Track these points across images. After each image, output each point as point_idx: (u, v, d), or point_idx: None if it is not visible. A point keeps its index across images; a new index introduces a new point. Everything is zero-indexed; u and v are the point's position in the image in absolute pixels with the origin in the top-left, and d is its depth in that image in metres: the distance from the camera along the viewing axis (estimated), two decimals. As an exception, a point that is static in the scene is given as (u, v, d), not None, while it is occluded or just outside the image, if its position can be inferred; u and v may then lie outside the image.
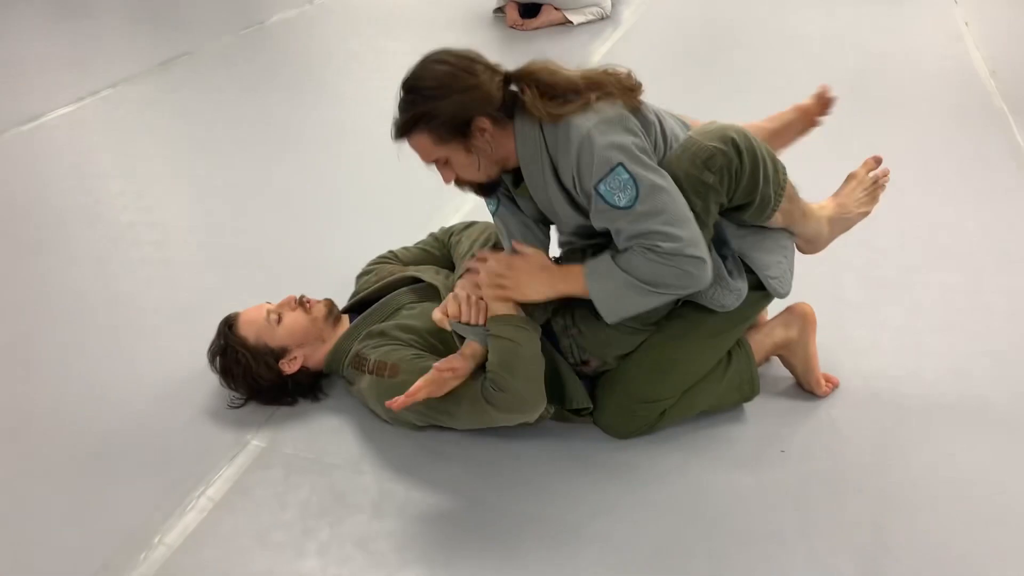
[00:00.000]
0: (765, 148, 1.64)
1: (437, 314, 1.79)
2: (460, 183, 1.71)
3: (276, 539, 1.66)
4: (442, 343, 1.86)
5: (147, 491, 1.78)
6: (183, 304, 2.43)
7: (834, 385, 1.98)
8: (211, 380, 2.01)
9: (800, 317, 1.92)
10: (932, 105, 3.74)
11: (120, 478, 1.82)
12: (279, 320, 1.93)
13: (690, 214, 1.57)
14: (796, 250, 1.85)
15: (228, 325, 1.94)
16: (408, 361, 1.81)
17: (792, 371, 1.98)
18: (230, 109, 3.85)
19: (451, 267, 2.19)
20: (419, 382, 1.68)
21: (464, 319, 1.73)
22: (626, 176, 1.52)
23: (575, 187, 1.62)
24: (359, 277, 2.23)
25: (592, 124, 1.55)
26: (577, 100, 1.57)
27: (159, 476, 1.82)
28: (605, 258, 1.63)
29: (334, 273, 2.35)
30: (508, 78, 1.62)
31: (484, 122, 1.57)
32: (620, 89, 1.61)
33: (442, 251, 2.23)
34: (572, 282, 1.68)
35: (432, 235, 2.30)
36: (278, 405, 1.97)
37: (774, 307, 1.96)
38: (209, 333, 1.98)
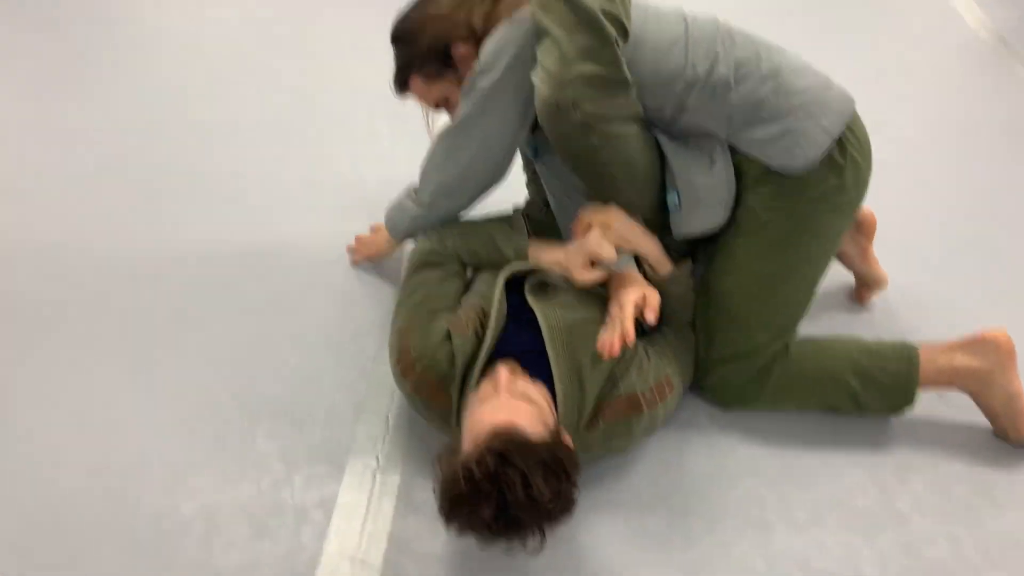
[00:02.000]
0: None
1: (586, 275, 1.47)
2: None
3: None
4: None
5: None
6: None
7: None
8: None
9: (992, 346, 1.51)
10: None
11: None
12: (530, 399, 1.27)
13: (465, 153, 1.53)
14: None
15: (506, 444, 1.15)
16: (671, 362, 1.44)
17: (987, 414, 1.56)
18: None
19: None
20: (627, 318, 1.35)
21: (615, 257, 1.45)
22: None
23: None
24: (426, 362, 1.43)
25: (498, 35, 1.45)
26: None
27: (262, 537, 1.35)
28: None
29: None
30: None
31: (460, 48, 1.51)
32: None
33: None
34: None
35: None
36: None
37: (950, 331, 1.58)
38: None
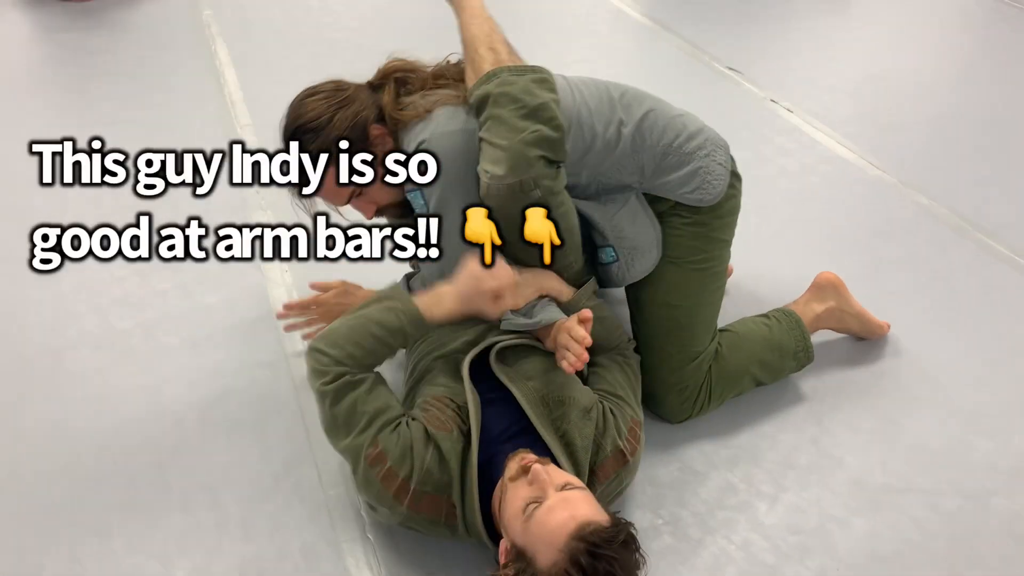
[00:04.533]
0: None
1: (493, 308, 1.45)
2: (381, 211, 1.60)
3: None
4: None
5: None
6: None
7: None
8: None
9: (829, 286, 1.87)
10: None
11: None
12: (573, 484, 1.27)
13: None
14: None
15: (589, 538, 1.15)
16: (627, 399, 1.51)
17: (850, 334, 1.93)
18: None
19: None
20: (572, 343, 1.40)
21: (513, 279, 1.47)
22: (420, 203, 1.51)
23: None
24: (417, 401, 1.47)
25: (425, 136, 1.48)
26: (420, 99, 1.53)
27: None
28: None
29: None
30: (372, 85, 1.58)
31: (377, 128, 1.51)
32: (457, 76, 1.59)
33: None
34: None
35: None
36: None
37: (798, 286, 1.92)
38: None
